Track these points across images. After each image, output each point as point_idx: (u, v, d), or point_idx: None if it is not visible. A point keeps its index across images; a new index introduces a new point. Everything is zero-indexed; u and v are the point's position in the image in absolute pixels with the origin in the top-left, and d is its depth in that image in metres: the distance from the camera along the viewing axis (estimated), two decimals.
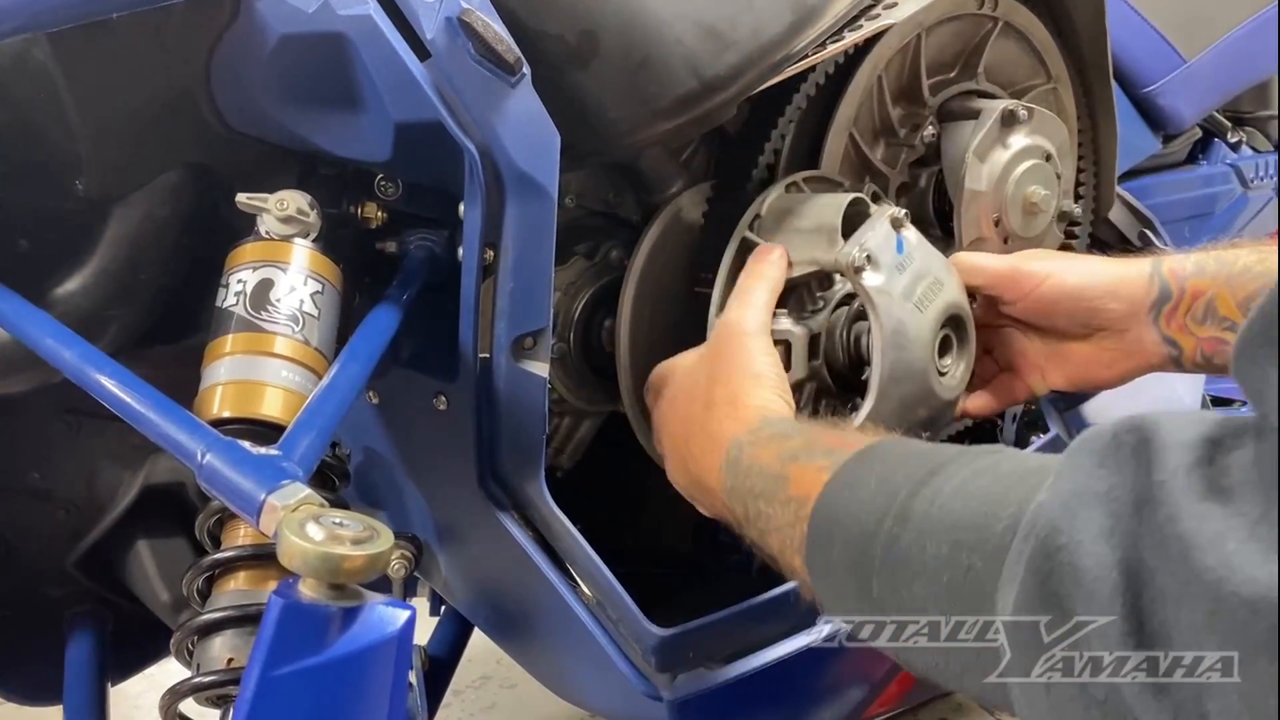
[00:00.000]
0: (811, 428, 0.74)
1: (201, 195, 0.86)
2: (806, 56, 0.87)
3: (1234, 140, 1.60)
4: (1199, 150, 1.74)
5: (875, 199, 1.01)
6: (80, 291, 0.84)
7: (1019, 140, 1.04)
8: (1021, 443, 1.15)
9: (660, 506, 0.93)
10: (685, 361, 0.87)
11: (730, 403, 0.78)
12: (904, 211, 0.89)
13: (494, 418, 0.83)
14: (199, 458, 0.60)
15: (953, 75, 1.07)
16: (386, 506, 1.04)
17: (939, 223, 1.07)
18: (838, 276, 0.90)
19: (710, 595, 0.89)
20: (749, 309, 0.84)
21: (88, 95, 0.77)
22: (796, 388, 0.90)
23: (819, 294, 0.92)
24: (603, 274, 1.01)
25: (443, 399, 0.86)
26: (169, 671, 1.01)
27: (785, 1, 0.85)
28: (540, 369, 0.82)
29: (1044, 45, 1.11)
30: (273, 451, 0.61)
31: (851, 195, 0.90)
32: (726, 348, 0.82)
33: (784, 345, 0.88)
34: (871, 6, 0.91)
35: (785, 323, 0.89)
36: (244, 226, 0.81)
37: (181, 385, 0.75)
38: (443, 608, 1.34)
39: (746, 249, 0.91)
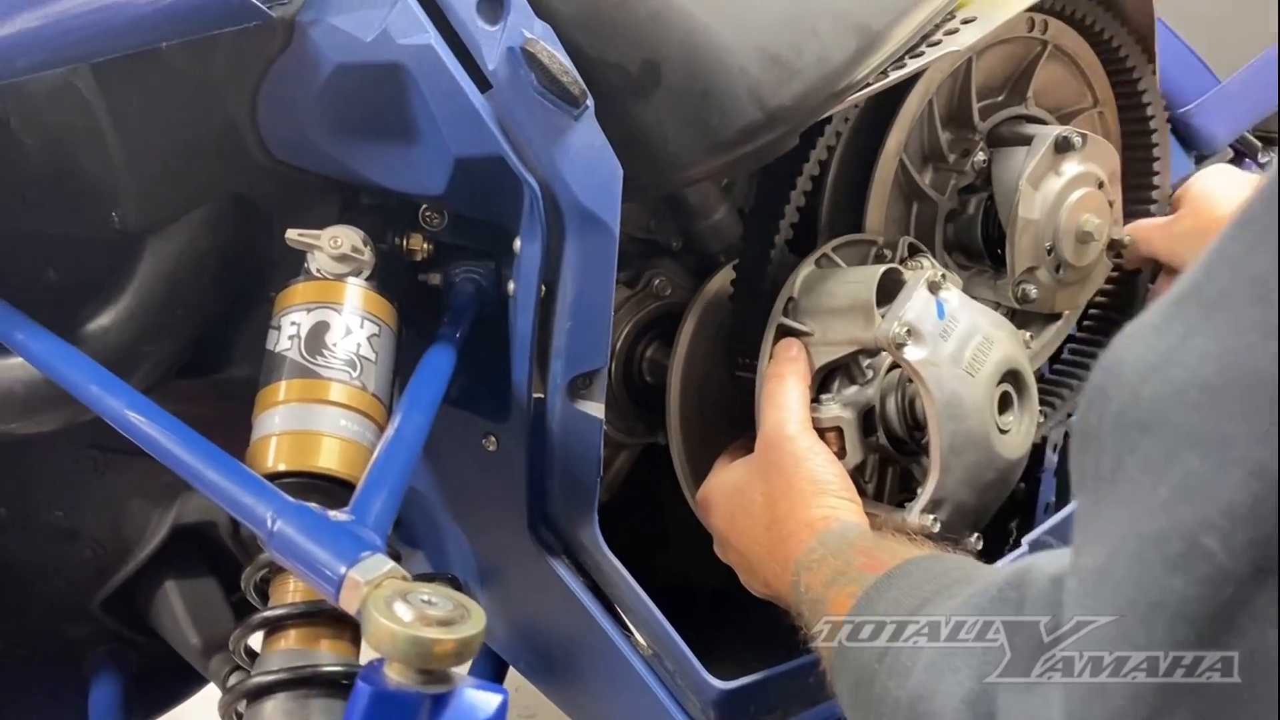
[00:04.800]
0: (856, 544, 0.71)
1: (240, 227, 0.83)
2: (869, 85, 0.84)
3: (1264, 161, 1.58)
4: None
5: (914, 252, 0.98)
6: (113, 327, 0.81)
7: (1072, 167, 1.01)
8: (1062, 477, 1.13)
9: (696, 540, 0.89)
10: (735, 476, 0.84)
11: (791, 517, 0.76)
12: (941, 273, 0.85)
13: (546, 460, 0.80)
14: (269, 524, 0.56)
15: (1001, 99, 1.04)
16: (424, 545, 1.00)
17: (987, 249, 1.04)
18: None
19: (756, 639, 0.86)
20: (784, 411, 0.82)
21: (129, 126, 0.74)
22: (859, 468, 0.87)
23: (866, 364, 0.88)
24: (645, 303, 0.98)
25: (492, 440, 0.82)
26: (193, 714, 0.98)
27: (850, 28, 0.82)
28: (596, 410, 0.79)
29: (1090, 68, 1.08)
30: (347, 517, 0.58)
31: (884, 267, 0.86)
32: (775, 457, 0.80)
33: (835, 431, 0.84)
34: (932, 33, 0.88)
35: (833, 408, 0.85)
36: (281, 258, 0.78)
37: (210, 421, 0.71)
38: None
39: (784, 334, 0.87)
